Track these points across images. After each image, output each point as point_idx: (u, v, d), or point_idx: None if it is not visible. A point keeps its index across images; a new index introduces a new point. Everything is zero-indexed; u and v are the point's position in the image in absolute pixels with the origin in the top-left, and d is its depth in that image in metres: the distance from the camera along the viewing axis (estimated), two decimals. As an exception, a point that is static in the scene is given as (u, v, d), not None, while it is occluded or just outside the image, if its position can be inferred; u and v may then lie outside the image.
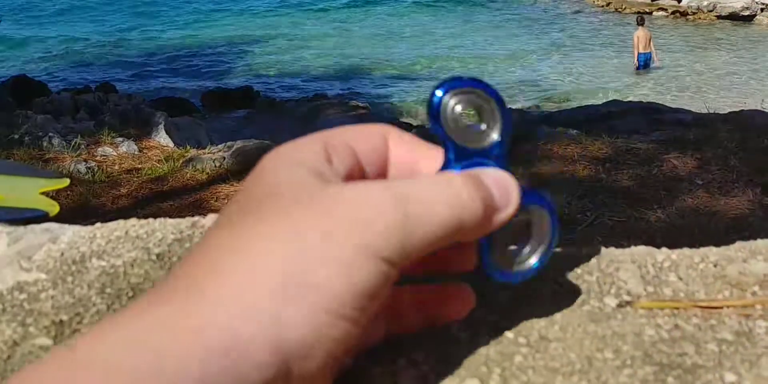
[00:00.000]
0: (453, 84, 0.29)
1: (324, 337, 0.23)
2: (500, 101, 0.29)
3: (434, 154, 0.30)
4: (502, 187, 0.28)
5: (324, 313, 0.23)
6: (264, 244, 0.24)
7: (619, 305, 0.36)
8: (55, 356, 0.21)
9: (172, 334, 0.21)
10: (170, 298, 0.23)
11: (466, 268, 0.32)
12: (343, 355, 0.25)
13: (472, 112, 0.30)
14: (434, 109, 0.29)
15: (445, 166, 0.29)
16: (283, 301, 0.23)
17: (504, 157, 0.30)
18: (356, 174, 0.29)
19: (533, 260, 0.31)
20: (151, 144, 4.14)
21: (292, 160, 0.27)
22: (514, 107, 5.57)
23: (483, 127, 0.30)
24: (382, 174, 0.30)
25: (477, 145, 0.29)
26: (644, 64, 7.40)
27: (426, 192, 0.26)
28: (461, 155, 0.29)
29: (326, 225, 0.24)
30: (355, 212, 0.24)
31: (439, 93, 0.29)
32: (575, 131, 3.93)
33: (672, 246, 0.41)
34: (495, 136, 0.29)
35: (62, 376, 0.20)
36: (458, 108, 0.29)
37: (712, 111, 4.58)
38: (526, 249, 0.31)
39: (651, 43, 7.34)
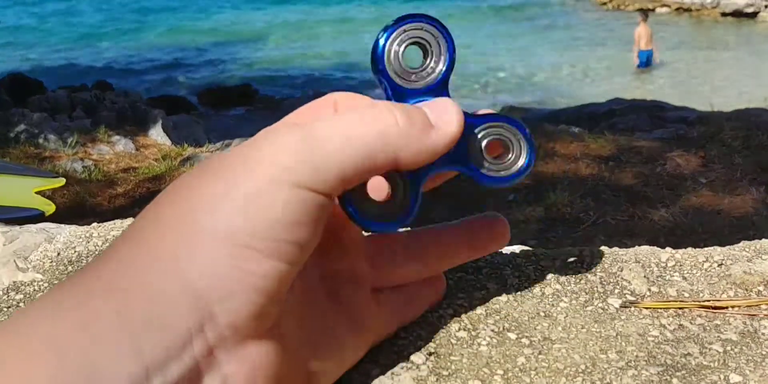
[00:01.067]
0: (396, 27, 0.29)
1: (238, 273, 0.23)
2: (445, 32, 0.29)
3: None
4: (437, 107, 0.28)
5: (228, 246, 0.23)
6: (174, 203, 0.25)
7: (623, 305, 0.35)
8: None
9: (82, 294, 0.22)
10: (91, 267, 0.24)
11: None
12: (276, 302, 0.24)
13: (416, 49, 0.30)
14: (378, 55, 0.29)
15: None
16: (181, 245, 0.23)
17: (446, 87, 0.30)
18: None
19: (520, 162, 0.30)
20: (148, 142, 4.13)
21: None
22: (515, 105, 5.56)
23: (425, 64, 0.30)
24: None
25: (421, 83, 0.29)
26: (646, 62, 7.38)
27: (339, 118, 0.26)
28: (404, 97, 0.29)
29: (236, 167, 0.24)
30: (264, 150, 0.24)
31: (382, 41, 0.29)
32: (577, 129, 3.93)
33: (676, 245, 0.41)
34: (439, 69, 0.29)
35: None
36: (401, 48, 0.29)
37: (716, 109, 4.58)
38: (510, 157, 0.30)
39: (651, 40, 7.32)
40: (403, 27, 0.29)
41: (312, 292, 0.29)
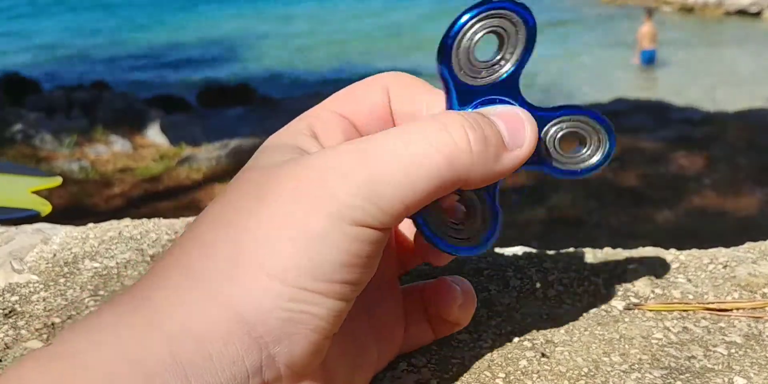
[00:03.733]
0: (477, 11, 0.25)
1: (299, 316, 0.22)
2: (529, 18, 0.26)
3: (439, 99, 0.27)
4: (511, 123, 0.25)
5: (287, 287, 0.22)
6: (226, 232, 0.23)
7: (627, 308, 0.35)
8: (33, 356, 0.21)
9: (136, 330, 0.21)
10: (134, 298, 0.22)
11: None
12: (329, 338, 0.23)
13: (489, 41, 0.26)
14: (450, 39, 0.25)
15: (449, 108, 0.26)
16: (237, 283, 0.22)
17: (517, 85, 0.26)
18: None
19: (595, 159, 0.28)
20: (146, 142, 4.12)
21: (273, 148, 0.26)
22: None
23: (496, 58, 0.26)
24: None
25: (490, 79, 0.26)
26: (649, 61, 7.36)
27: (405, 140, 0.23)
28: (467, 95, 0.26)
29: (295, 198, 0.22)
30: (316, 178, 0.22)
31: (465, 17, 0.25)
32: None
33: (680, 247, 0.41)
34: (508, 67, 0.26)
35: (38, 369, 0.20)
36: (476, 38, 0.25)
37: (720, 109, 4.58)
38: (585, 151, 0.28)
39: (656, 39, 7.30)
40: (486, 12, 0.25)
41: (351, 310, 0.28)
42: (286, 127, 0.27)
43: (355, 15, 11.08)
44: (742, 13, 9.65)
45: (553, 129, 0.28)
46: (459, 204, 0.27)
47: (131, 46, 9.47)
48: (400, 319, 0.30)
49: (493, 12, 0.25)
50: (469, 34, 0.25)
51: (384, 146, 0.23)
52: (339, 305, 0.23)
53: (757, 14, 9.58)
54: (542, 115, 0.27)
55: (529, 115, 0.26)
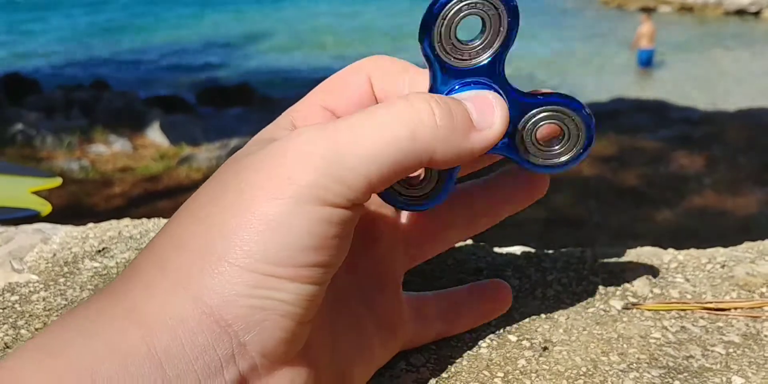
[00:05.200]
0: None
1: (266, 302, 0.22)
2: (512, 9, 0.26)
3: (422, 82, 0.27)
4: (481, 103, 0.25)
5: (248, 274, 0.21)
6: (193, 221, 0.23)
7: (625, 307, 0.35)
8: (18, 349, 0.22)
9: (114, 322, 0.21)
10: (110, 294, 0.23)
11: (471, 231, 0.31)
12: (304, 324, 0.23)
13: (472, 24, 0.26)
14: (428, 22, 0.25)
15: (430, 91, 0.26)
16: (201, 273, 0.22)
17: (500, 74, 0.26)
18: None
19: (564, 157, 0.27)
20: (146, 142, 4.12)
21: (252, 144, 0.26)
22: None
23: (479, 41, 0.26)
24: None
25: (472, 62, 0.26)
26: (647, 61, 7.34)
27: (369, 118, 0.23)
28: (451, 76, 0.26)
29: (255, 183, 0.22)
30: (277, 161, 0.22)
31: (437, 6, 0.25)
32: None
33: (679, 247, 0.41)
34: (491, 51, 0.26)
35: (30, 364, 0.21)
36: (457, 17, 0.25)
37: (719, 108, 4.58)
38: (559, 147, 0.27)
39: (654, 39, 7.28)
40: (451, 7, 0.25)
41: (342, 299, 0.28)
42: (271, 123, 0.27)
43: (355, 16, 11.07)
44: (741, 12, 9.64)
45: (534, 119, 0.27)
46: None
47: (131, 46, 9.46)
48: (403, 313, 0.30)
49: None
50: (452, 13, 0.25)
51: (347, 123, 0.23)
52: (309, 289, 0.22)
53: (757, 14, 9.56)
54: (526, 102, 0.27)
55: (500, 98, 0.26)
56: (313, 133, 0.23)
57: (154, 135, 4.23)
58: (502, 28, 0.26)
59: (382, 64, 0.27)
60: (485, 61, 0.26)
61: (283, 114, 0.28)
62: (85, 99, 4.76)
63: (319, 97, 0.27)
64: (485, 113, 0.25)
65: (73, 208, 3.01)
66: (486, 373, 0.31)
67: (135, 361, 0.20)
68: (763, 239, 0.41)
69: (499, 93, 0.26)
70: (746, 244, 0.41)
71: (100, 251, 0.42)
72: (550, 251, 0.41)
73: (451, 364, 0.31)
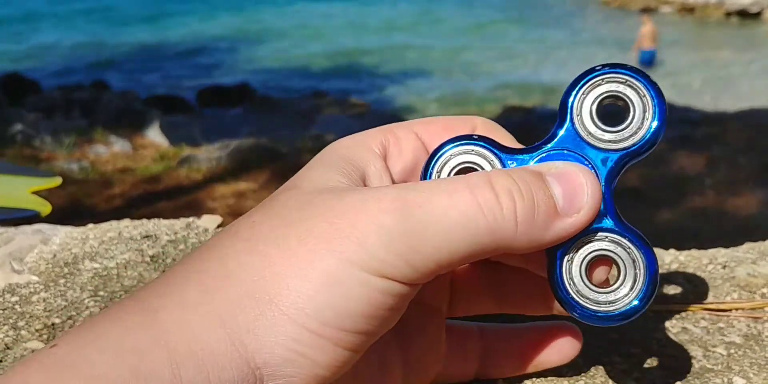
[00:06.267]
0: (586, 79, 0.24)
1: (300, 359, 0.21)
2: (649, 86, 0.24)
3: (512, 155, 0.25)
4: (569, 185, 0.23)
5: (294, 327, 0.21)
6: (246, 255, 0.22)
7: (626, 308, 0.35)
8: (38, 359, 0.21)
9: (142, 343, 0.21)
10: (143, 306, 0.22)
11: (545, 310, 0.28)
12: (333, 381, 0.22)
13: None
14: (573, 95, 0.24)
15: (542, 143, 0.25)
16: (245, 313, 0.21)
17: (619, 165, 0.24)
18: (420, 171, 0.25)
19: (630, 298, 0.23)
20: (146, 142, 4.12)
21: (329, 162, 0.24)
22: (518, 105, 5.54)
23: (628, 123, 0.24)
24: None
25: (618, 146, 0.24)
26: (649, 61, 7.33)
27: (447, 198, 0.22)
28: (565, 142, 0.24)
29: (321, 236, 0.21)
30: (351, 221, 0.21)
31: (570, 99, 0.24)
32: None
33: (680, 247, 0.41)
34: (643, 132, 0.24)
35: (47, 377, 0.20)
36: (596, 102, 0.24)
37: (720, 109, 4.58)
38: (618, 286, 0.24)
39: (655, 39, 7.27)
40: (595, 79, 0.24)
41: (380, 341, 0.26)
42: (362, 133, 0.26)
43: (356, 15, 11.07)
44: (742, 13, 9.64)
45: (589, 243, 0.23)
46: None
47: (131, 46, 9.46)
48: (438, 354, 0.28)
49: (604, 77, 0.24)
50: (591, 94, 0.24)
51: (427, 201, 0.22)
52: (345, 355, 0.22)
53: (758, 14, 9.56)
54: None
55: (593, 177, 0.23)
56: (394, 205, 0.22)
57: (154, 135, 4.23)
58: (648, 109, 0.24)
59: (488, 125, 0.26)
60: (637, 145, 0.24)
61: (379, 129, 0.26)
62: (84, 99, 4.76)
63: (421, 127, 0.26)
64: (574, 198, 0.23)
65: (72, 208, 3.01)
66: (487, 373, 0.30)
67: None
68: (764, 240, 0.41)
69: (594, 169, 0.24)
70: (747, 245, 0.40)
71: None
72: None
73: (452, 364, 0.31)
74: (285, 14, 11.49)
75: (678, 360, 0.31)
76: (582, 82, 0.24)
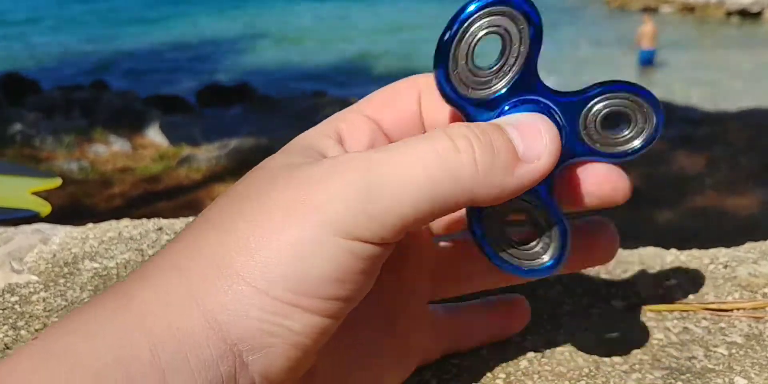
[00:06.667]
0: (476, 10, 0.23)
1: (275, 329, 0.21)
2: (534, 15, 0.23)
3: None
4: (528, 131, 0.23)
5: (265, 298, 0.21)
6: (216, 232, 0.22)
7: (628, 308, 0.35)
8: (25, 349, 0.21)
9: (121, 328, 0.21)
10: (123, 293, 0.22)
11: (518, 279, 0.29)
12: (313, 353, 0.23)
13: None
14: (443, 50, 0.23)
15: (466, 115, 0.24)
16: (215, 288, 0.21)
17: (536, 80, 0.24)
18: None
19: (638, 141, 0.25)
20: (145, 142, 4.12)
21: (292, 149, 0.25)
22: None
23: (502, 62, 0.24)
24: None
25: (491, 91, 0.24)
26: (649, 61, 7.33)
27: (405, 154, 0.22)
28: (486, 102, 0.24)
29: (285, 206, 0.21)
30: (315, 188, 0.22)
31: (472, 7, 0.23)
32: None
33: (681, 247, 0.41)
34: (516, 70, 0.24)
35: (33, 365, 0.20)
36: (478, 35, 0.23)
37: (720, 109, 4.58)
38: (628, 132, 0.25)
39: (655, 39, 7.25)
40: (488, 8, 0.23)
41: (362, 316, 0.26)
42: (314, 128, 0.26)
43: (358, 15, 11.06)
44: (743, 12, 9.63)
45: (593, 110, 0.25)
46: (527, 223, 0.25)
47: (130, 46, 9.46)
48: (425, 336, 0.29)
49: (495, 8, 0.23)
50: (469, 34, 0.23)
51: (387, 157, 0.22)
52: (323, 322, 0.22)
53: (759, 14, 9.55)
54: (572, 101, 0.25)
55: (550, 123, 0.23)
56: (356, 164, 0.22)
57: (154, 135, 4.23)
58: (523, 48, 0.24)
59: (432, 84, 0.26)
60: (511, 84, 0.24)
61: (328, 120, 0.26)
62: (84, 99, 4.76)
63: (367, 108, 0.27)
64: (533, 143, 0.23)
65: (72, 208, 3.01)
66: (488, 374, 0.30)
67: (139, 369, 0.20)
68: (765, 239, 0.41)
69: (551, 112, 0.24)
70: (748, 245, 0.40)
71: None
72: (552, 252, 0.40)
73: (453, 365, 0.31)
74: (285, 14, 11.48)
75: (679, 360, 0.31)
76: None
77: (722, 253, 0.40)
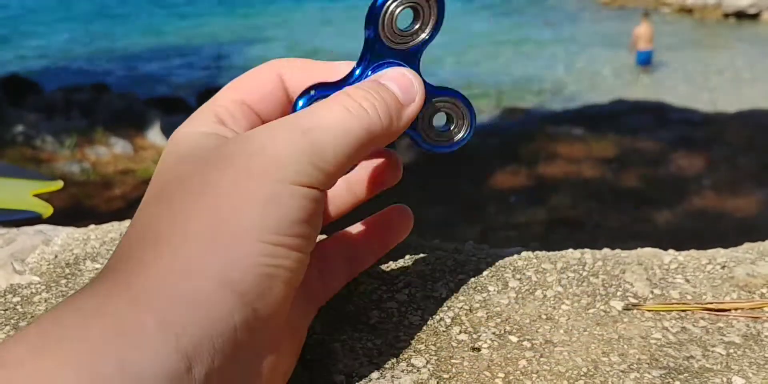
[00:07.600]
0: None
1: (273, 270, 0.25)
2: (440, 3, 0.31)
3: (332, 70, 0.31)
4: (403, 83, 0.30)
5: (260, 244, 0.24)
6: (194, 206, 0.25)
7: (626, 308, 0.35)
8: (22, 333, 0.22)
9: (120, 305, 0.22)
10: (114, 274, 0.24)
11: (396, 180, 0.35)
12: (294, 289, 0.26)
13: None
14: (375, 12, 0.30)
15: (351, 72, 0.31)
16: (213, 245, 0.24)
17: (418, 62, 0.32)
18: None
19: (462, 134, 0.34)
20: (146, 143, 4.13)
21: (190, 137, 0.28)
22: (517, 106, 5.55)
23: (415, 28, 0.31)
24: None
25: (404, 46, 0.31)
26: (646, 62, 7.32)
27: (332, 114, 0.27)
28: (378, 56, 0.31)
29: (248, 167, 0.26)
30: (267, 151, 0.26)
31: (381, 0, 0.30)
32: (580, 130, 3.93)
33: (679, 247, 0.41)
34: (423, 37, 0.31)
35: (33, 348, 0.21)
36: (398, 9, 0.31)
37: (719, 110, 4.58)
38: (453, 127, 0.34)
39: (652, 40, 7.25)
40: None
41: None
42: (189, 119, 0.30)
43: (358, 15, 11.03)
44: (740, 14, 9.63)
45: (432, 106, 0.32)
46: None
47: (130, 47, 9.46)
48: (345, 268, 0.35)
49: None
50: (392, 6, 0.31)
51: (318, 120, 0.27)
52: (302, 257, 0.26)
53: (756, 16, 9.55)
54: (429, 91, 0.32)
55: (416, 73, 0.31)
56: (291, 127, 0.27)
57: (155, 136, 4.23)
58: (432, 17, 0.31)
59: (293, 63, 0.31)
60: (417, 46, 0.31)
61: (203, 108, 0.30)
62: (85, 100, 4.76)
63: (235, 93, 0.30)
64: (408, 90, 0.30)
65: (74, 210, 3.02)
66: (487, 373, 0.31)
67: (146, 340, 0.21)
68: (763, 240, 0.41)
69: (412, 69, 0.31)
70: (746, 245, 0.41)
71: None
72: (551, 252, 0.41)
73: (452, 365, 0.31)
74: (286, 15, 11.48)
75: (677, 360, 0.31)
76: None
77: (720, 254, 0.40)
